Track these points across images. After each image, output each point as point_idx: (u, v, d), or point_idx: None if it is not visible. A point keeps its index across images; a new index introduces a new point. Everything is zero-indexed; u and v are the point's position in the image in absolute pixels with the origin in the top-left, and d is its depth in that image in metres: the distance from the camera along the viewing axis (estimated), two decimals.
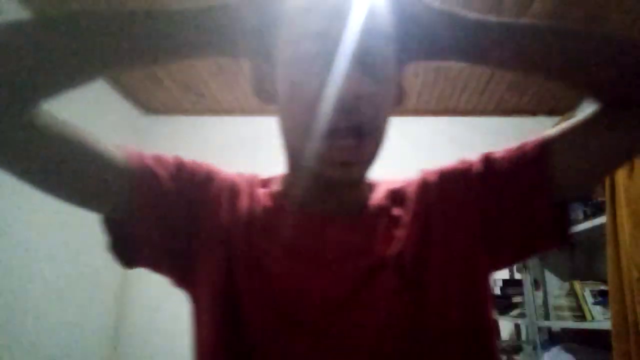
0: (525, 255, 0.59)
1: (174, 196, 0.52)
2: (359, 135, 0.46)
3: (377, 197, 0.58)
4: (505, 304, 2.68)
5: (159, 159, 0.55)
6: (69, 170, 0.48)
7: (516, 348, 2.67)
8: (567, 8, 1.90)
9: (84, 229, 2.34)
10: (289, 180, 0.58)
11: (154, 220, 0.51)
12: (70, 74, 0.47)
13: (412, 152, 2.91)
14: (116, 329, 2.65)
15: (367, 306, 0.49)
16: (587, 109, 0.52)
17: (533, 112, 2.88)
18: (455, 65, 2.39)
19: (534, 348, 2.45)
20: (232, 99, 2.82)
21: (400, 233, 0.53)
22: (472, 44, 0.50)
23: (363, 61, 0.46)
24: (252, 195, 0.57)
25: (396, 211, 0.56)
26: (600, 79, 0.50)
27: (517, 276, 2.67)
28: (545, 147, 0.54)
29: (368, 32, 0.46)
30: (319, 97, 0.45)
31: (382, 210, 0.56)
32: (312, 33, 0.46)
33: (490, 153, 0.58)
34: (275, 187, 0.59)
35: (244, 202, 0.56)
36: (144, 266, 0.53)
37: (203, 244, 0.53)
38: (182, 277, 0.55)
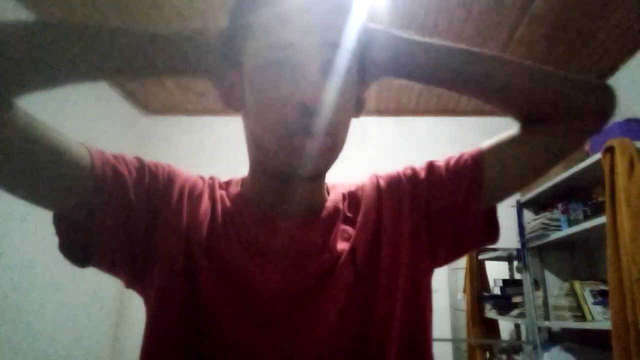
0: (460, 254, 0.64)
1: (135, 198, 0.52)
2: (318, 135, 0.50)
3: (333, 199, 0.61)
4: (505, 304, 2.68)
5: (122, 159, 0.55)
6: (32, 167, 0.48)
7: (516, 348, 2.67)
8: (566, 8, 1.90)
9: None
10: (250, 182, 0.60)
11: (115, 221, 0.51)
12: (40, 81, 0.48)
13: (412, 152, 2.91)
14: (116, 331, 2.65)
15: (325, 300, 0.52)
16: (513, 126, 0.61)
17: None
18: None
19: (534, 348, 2.45)
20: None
21: (354, 233, 0.58)
22: (414, 64, 0.58)
23: (326, 70, 0.50)
24: (213, 197, 0.59)
25: (350, 212, 0.61)
26: (520, 103, 0.59)
27: (517, 276, 2.67)
28: (479, 159, 0.61)
29: (332, 45, 0.50)
30: (283, 101, 0.49)
31: (338, 211, 0.60)
32: (281, 43, 0.49)
33: (434, 161, 0.64)
34: (235, 189, 0.61)
35: (205, 204, 0.57)
36: (97, 266, 0.53)
37: (163, 245, 0.53)
38: (137, 278, 0.55)
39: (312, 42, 0.49)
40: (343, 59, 0.51)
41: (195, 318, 0.51)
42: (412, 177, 0.63)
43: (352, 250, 0.55)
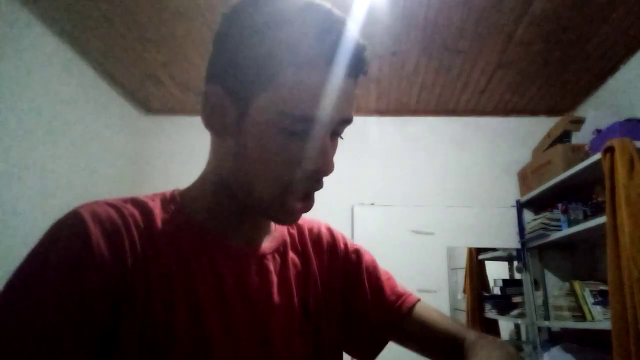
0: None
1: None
2: (313, 197, 0.54)
3: (282, 229, 0.64)
4: (505, 304, 2.68)
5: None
6: None
7: (516, 348, 2.66)
8: (566, 9, 1.90)
9: None
10: (203, 203, 0.56)
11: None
12: None
13: (412, 152, 2.91)
14: None
15: (284, 347, 0.55)
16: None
17: (533, 112, 2.88)
18: (455, 65, 2.39)
19: (534, 348, 2.45)
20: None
21: (305, 277, 0.61)
22: None
23: (332, 140, 0.53)
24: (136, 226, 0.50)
25: (299, 246, 0.65)
26: None
27: (517, 276, 2.67)
28: (403, 317, 0.67)
29: (346, 121, 0.52)
30: (293, 165, 0.49)
31: (287, 243, 0.63)
32: (304, 117, 0.47)
33: (373, 268, 0.70)
34: (170, 205, 0.55)
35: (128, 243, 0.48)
36: None
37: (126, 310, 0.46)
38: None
39: (333, 119, 0.49)
40: (343, 131, 0.54)
41: None
42: (349, 261, 0.69)
43: (304, 302, 0.59)
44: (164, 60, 2.38)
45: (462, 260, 2.86)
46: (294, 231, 0.65)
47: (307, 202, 0.53)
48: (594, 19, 1.96)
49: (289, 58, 0.47)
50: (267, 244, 0.60)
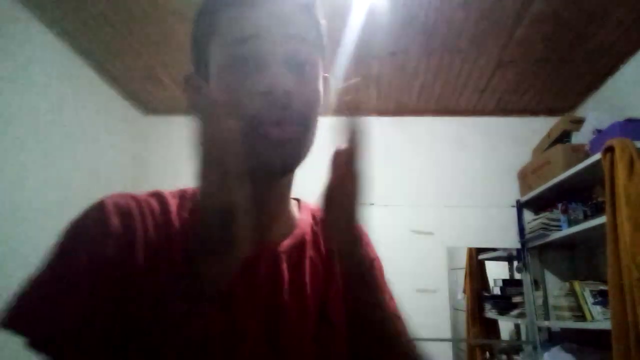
0: None
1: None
2: (287, 125, 0.49)
3: (304, 221, 0.61)
4: (505, 304, 2.68)
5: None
6: None
7: (516, 348, 2.66)
8: (566, 8, 1.90)
9: None
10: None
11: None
12: None
13: (412, 152, 2.91)
14: None
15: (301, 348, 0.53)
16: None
17: (533, 112, 2.88)
18: (455, 65, 2.39)
19: (534, 348, 2.45)
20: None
21: (326, 278, 0.58)
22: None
23: (292, 62, 0.50)
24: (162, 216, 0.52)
25: (320, 241, 0.61)
26: None
27: (517, 276, 2.67)
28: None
29: (296, 36, 0.51)
30: (249, 93, 0.48)
31: (307, 241, 0.59)
32: (242, 37, 0.49)
33: (383, 281, 0.63)
34: (190, 203, 0.55)
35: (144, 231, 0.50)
36: None
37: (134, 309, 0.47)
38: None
39: (274, 35, 0.49)
40: (306, 52, 0.52)
41: None
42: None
43: (323, 305, 0.56)
44: (164, 60, 2.38)
45: (462, 260, 2.86)
46: (318, 232, 0.61)
47: (282, 129, 0.48)
48: (594, 19, 1.96)
49: (217, 4, 0.52)
50: (283, 242, 0.57)
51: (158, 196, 0.54)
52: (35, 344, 0.43)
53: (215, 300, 0.46)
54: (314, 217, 0.63)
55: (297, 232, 0.59)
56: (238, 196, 0.42)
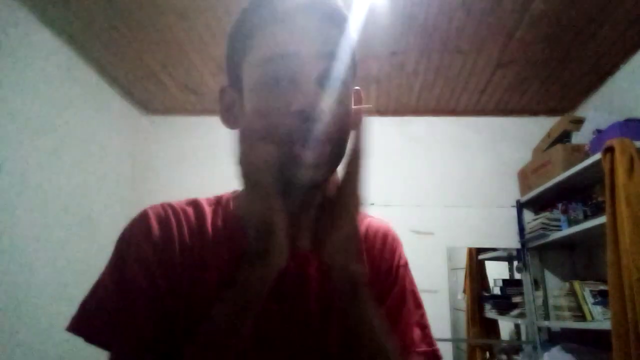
0: None
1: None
2: (318, 144, 0.50)
3: None
4: (505, 304, 2.68)
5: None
6: None
7: (516, 348, 2.66)
8: (566, 8, 1.90)
9: (85, 232, 2.34)
10: (245, 201, 0.59)
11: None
12: None
13: (412, 152, 2.91)
14: None
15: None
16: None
17: (533, 112, 2.88)
18: (455, 65, 2.39)
19: (534, 348, 2.45)
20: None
21: None
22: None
23: (322, 81, 0.51)
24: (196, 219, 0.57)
25: None
26: None
27: (517, 276, 2.67)
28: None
29: (328, 54, 0.51)
30: (282, 111, 0.49)
31: None
32: (276, 56, 0.50)
33: (413, 301, 0.65)
34: (227, 207, 0.60)
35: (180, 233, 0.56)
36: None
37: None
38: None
39: (308, 53, 0.50)
40: (338, 70, 0.52)
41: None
42: (395, 288, 0.64)
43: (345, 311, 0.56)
44: (164, 60, 2.38)
45: (462, 260, 2.86)
46: None
47: (312, 148, 0.49)
48: (594, 19, 1.96)
49: (253, 21, 0.52)
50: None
51: (194, 204, 0.59)
52: (96, 343, 0.50)
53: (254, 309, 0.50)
54: None
55: None
56: (276, 214, 0.47)
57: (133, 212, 0.57)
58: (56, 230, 2.11)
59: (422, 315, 0.66)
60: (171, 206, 0.57)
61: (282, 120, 0.49)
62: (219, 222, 0.57)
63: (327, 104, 0.50)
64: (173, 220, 0.55)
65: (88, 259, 2.26)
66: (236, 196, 0.62)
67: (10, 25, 1.90)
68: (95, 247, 2.32)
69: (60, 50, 2.21)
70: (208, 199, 0.61)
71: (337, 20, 0.54)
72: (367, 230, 0.65)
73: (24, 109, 1.97)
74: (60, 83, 2.21)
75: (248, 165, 0.48)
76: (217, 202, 0.60)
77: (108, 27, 2.09)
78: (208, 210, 0.58)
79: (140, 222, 0.55)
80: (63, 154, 2.21)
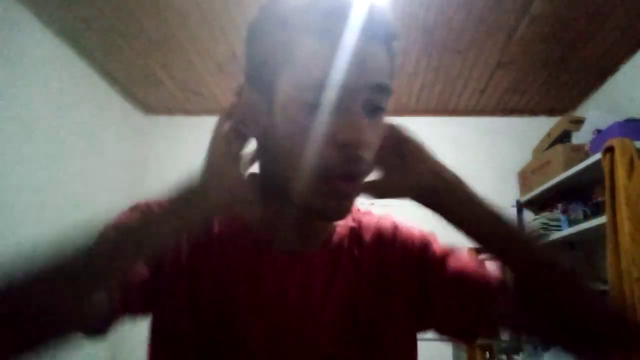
0: (442, 333, 0.61)
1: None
2: (358, 179, 0.49)
3: (340, 232, 0.59)
4: None
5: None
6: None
7: (516, 348, 2.66)
8: (566, 8, 1.90)
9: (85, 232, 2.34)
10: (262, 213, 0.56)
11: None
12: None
13: None
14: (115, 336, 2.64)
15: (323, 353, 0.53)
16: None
17: (533, 112, 2.88)
18: (455, 65, 2.39)
19: (534, 348, 2.44)
20: (232, 99, 2.81)
21: (358, 280, 0.56)
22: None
23: (368, 110, 0.47)
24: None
25: (356, 248, 0.59)
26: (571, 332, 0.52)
27: None
28: (495, 293, 0.55)
29: (377, 86, 0.48)
30: (325, 142, 0.46)
31: (344, 249, 0.58)
32: (324, 81, 0.45)
33: (455, 252, 0.62)
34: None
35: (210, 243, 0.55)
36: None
37: (167, 285, 0.53)
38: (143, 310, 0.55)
39: (360, 83, 0.46)
40: (383, 98, 0.49)
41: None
42: (424, 250, 0.62)
43: (353, 307, 0.55)
44: (164, 60, 2.38)
45: None
46: (355, 233, 0.61)
47: (350, 184, 0.48)
48: (594, 19, 1.96)
49: (299, 27, 0.46)
50: (321, 250, 0.57)
51: None
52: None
53: (248, 306, 0.51)
54: (356, 221, 0.62)
55: (334, 240, 0.58)
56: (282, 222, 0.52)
57: None
58: (56, 230, 2.11)
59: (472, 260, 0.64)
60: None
61: (324, 149, 0.46)
62: (222, 224, 0.57)
63: (372, 137, 0.47)
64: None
65: None
66: None
67: (10, 25, 1.90)
68: None
69: (60, 50, 2.21)
70: None
71: (390, 46, 0.50)
72: (382, 227, 0.63)
73: (24, 109, 1.97)
74: (60, 83, 2.21)
75: (270, 179, 0.52)
76: None
77: (108, 27, 2.09)
78: None
79: (127, 212, 0.53)
80: (63, 154, 2.21)
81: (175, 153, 2.96)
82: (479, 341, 2.71)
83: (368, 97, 0.47)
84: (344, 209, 0.50)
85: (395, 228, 0.63)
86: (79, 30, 2.12)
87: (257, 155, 0.53)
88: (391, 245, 0.61)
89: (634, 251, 1.60)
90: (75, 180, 2.29)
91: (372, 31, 0.47)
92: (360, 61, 0.46)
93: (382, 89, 0.48)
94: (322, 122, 0.45)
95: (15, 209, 1.89)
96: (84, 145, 2.38)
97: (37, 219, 1.99)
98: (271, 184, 0.52)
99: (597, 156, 1.89)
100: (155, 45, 2.23)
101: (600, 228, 1.88)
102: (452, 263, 0.60)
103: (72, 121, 2.29)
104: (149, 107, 2.97)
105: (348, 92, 0.45)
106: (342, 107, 0.45)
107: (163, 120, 3.05)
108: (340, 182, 0.47)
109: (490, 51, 2.23)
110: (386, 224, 0.63)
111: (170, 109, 2.99)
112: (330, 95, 0.45)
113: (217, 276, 0.53)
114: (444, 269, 0.59)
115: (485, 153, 2.86)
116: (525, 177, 2.66)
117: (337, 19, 0.46)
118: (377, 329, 0.55)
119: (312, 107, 0.45)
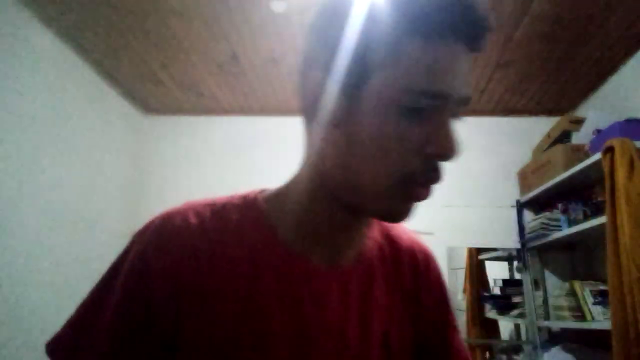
0: None
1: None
2: (434, 186, 0.49)
3: (370, 244, 0.59)
4: (505, 304, 2.68)
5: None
6: None
7: (516, 348, 2.66)
8: (566, 8, 1.90)
9: (86, 231, 2.34)
10: (297, 209, 0.53)
11: None
12: None
13: None
14: None
15: None
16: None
17: (533, 112, 2.88)
18: None
19: (534, 348, 2.45)
20: (232, 99, 2.81)
21: (391, 303, 0.57)
22: None
23: (455, 125, 0.47)
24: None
25: (390, 269, 0.59)
26: None
27: (517, 276, 2.67)
28: None
29: (466, 100, 0.47)
30: (414, 149, 0.45)
31: (376, 265, 0.58)
32: (432, 92, 0.43)
33: (453, 329, 0.64)
34: (248, 212, 0.54)
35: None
36: None
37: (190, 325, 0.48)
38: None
39: (456, 95, 0.45)
40: (459, 113, 0.49)
41: None
42: (445, 312, 0.64)
43: (385, 333, 0.54)
44: (164, 60, 2.38)
45: (462, 260, 2.86)
46: (388, 252, 0.60)
47: (427, 190, 0.47)
48: (594, 19, 1.96)
49: (413, 28, 0.43)
50: (355, 264, 0.55)
51: (216, 212, 0.53)
52: None
53: (283, 324, 0.49)
54: (382, 233, 0.61)
55: (367, 253, 0.57)
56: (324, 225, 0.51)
57: (133, 212, 0.56)
58: (56, 231, 2.11)
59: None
60: (188, 226, 0.50)
61: (410, 157, 0.45)
62: (247, 235, 0.52)
63: (458, 149, 0.46)
64: (186, 249, 0.49)
65: (88, 259, 2.26)
66: (273, 197, 0.55)
67: (10, 25, 1.90)
68: (96, 247, 2.32)
69: (60, 50, 2.21)
70: (232, 201, 0.54)
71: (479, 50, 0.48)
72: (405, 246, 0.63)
73: (24, 109, 1.97)
74: (60, 83, 2.21)
75: (346, 181, 0.48)
76: (244, 205, 0.54)
77: (108, 27, 2.09)
78: (234, 222, 0.52)
79: (141, 257, 0.49)
80: (63, 154, 2.21)
81: (175, 153, 2.96)
82: (479, 341, 2.72)
83: (457, 108, 0.46)
84: (411, 212, 0.50)
85: (428, 260, 0.64)
86: (79, 30, 2.12)
87: (315, 150, 0.50)
88: (425, 277, 0.62)
89: (634, 251, 1.60)
90: (75, 180, 2.29)
91: (478, 44, 0.45)
92: (459, 71, 0.44)
93: (467, 102, 0.47)
94: (414, 129, 0.44)
95: (15, 209, 1.89)
96: (83, 145, 2.38)
97: (37, 218, 1.99)
98: (327, 185, 0.50)
99: (597, 156, 1.89)
100: (155, 45, 2.23)
101: (600, 228, 1.88)
102: (457, 341, 0.63)
103: (72, 121, 2.29)
104: (149, 107, 2.97)
105: (444, 102, 0.44)
106: (436, 116, 0.44)
107: (163, 120, 3.05)
108: (419, 188, 0.47)
109: (490, 51, 2.23)
110: (420, 249, 0.64)
111: (170, 109, 2.99)
112: (430, 102, 0.43)
113: (249, 297, 0.49)
114: (449, 339, 0.62)
115: (485, 153, 2.86)
116: (525, 177, 2.66)
117: (452, 24, 0.43)
118: (402, 356, 0.55)
119: (410, 111, 0.44)
